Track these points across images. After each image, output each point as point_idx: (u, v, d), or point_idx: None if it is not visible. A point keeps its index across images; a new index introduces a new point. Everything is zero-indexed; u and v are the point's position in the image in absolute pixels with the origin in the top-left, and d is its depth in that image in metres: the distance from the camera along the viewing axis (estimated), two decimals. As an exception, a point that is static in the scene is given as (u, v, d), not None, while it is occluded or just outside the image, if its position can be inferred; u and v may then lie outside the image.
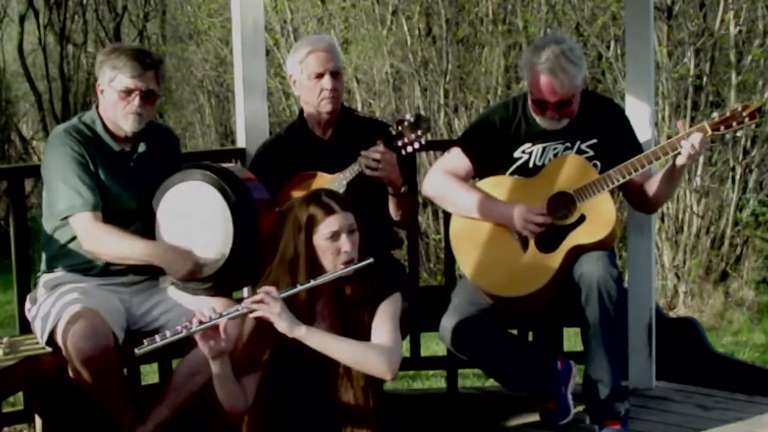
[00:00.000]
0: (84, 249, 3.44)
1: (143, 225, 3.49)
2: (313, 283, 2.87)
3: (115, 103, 3.45)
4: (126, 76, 3.42)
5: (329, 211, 2.89)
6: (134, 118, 3.45)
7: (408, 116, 3.51)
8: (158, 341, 2.78)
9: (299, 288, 2.86)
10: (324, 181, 3.65)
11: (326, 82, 3.74)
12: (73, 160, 3.42)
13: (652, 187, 3.68)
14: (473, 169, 3.81)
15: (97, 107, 3.55)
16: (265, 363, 2.91)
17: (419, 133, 3.49)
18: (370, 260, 2.90)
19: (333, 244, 2.89)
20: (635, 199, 3.80)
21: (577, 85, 3.64)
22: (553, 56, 3.57)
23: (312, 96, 3.78)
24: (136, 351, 2.81)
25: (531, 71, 3.64)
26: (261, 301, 2.82)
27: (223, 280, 3.45)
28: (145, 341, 2.80)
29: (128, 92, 3.43)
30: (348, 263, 2.89)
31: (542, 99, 3.64)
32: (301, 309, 2.88)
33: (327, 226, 2.89)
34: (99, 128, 3.51)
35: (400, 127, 3.51)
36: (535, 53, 3.63)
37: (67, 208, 3.40)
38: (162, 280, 3.54)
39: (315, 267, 2.91)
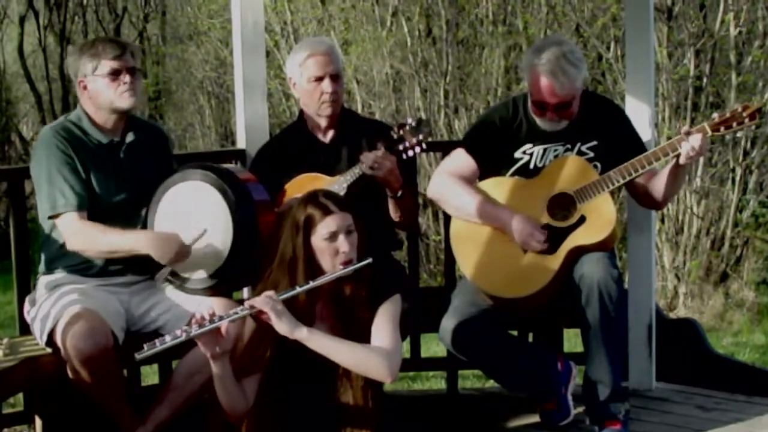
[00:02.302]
0: (69, 248, 3.44)
1: (139, 219, 3.50)
2: (312, 284, 2.87)
3: (105, 87, 3.49)
4: (109, 58, 3.48)
5: (327, 212, 2.89)
6: (129, 93, 3.51)
7: (409, 120, 3.51)
8: (158, 346, 2.78)
9: (298, 290, 2.86)
10: (324, 183, 3.64)
11: (326, 85, 3.74)
12: (59, 159, 3.43)
13: (657, 185, 3.68)
14: (478, 170, 3.80)
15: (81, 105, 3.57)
16: (265, 364, 2.91)
17: (420, 137, 3.49)
18: (369, 260, 2.90)
19: (331, 244, 2.89)
20: (641, 197, 3.80)
21: (577, 87, 3.65)
22: (554, 58, 3.57)
23: (312, 99, 3.78)
24: (137, 356, 2.80)
25: (531, 72, 3.64)
26: (261, 304, 2.82)
27: (222, 281, 3.45)
28: (145, 346, 2.79)
29: (116, 72, 3.48)
30: (347, 264, 2.89)
31: (542, 100, 3.64)
32: (300, 310, 2.88)
33: (325, 226, 2.89)
34: (85, 123, 3.53)
35: (401, 131, 3.51)
36: (535, 55, 3.63)
37: (50, 207, 3.42)
38: (157, 278, 3.52)
39: (314, 268, 2.91)
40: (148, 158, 3.58)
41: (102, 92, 3.50)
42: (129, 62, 3.51)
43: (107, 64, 3.48)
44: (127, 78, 3.49)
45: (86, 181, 3.45)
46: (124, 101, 3.50)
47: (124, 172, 3.52)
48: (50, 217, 3.44)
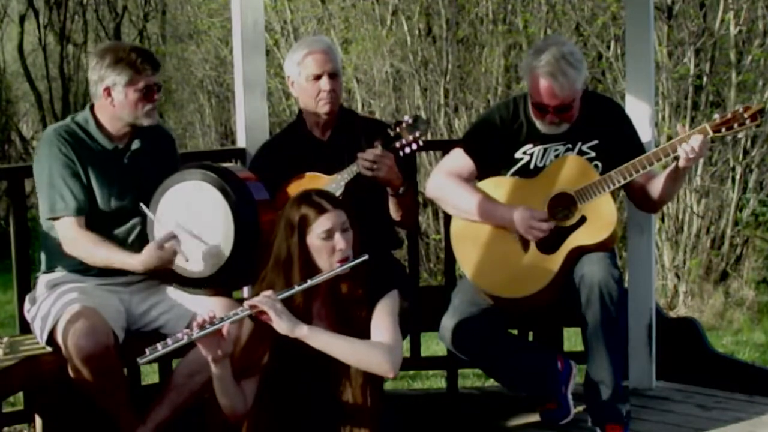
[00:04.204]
0: (66, 252, 3.44)
1: (141, 223, 3.49)
2: (310, 283, 2.86)
3: (134, 102, 3.44)
4: (147, 75, 3.44)
5: (321, 210, 2.89)
6: (154, 112, 3.51)
7: (406, 118, 3.51)
8: (160, 350, 2.78)
9: (297, 289, 2.86)
10: (322, 181, 3.64)
11: (324, 83, 3.74)
12: (60, 162, 3.42)
13: (655, 187, 3.68)
14: (476, 170, 3.80)
15: (91, 107, 3.54)
16: (263, 366, 2.91)
17: (417, 134, 3.49)
18: (365, 257, 2.90)
19: (327, 242, 2.89)
20: (638, 199, 3.80)
21: (577, 89, 3.64)
22: (554, 59, 3.56)
23: (310, 97, 3.79)
24: (139, 360, 2.80)
25: (531, 74, 3.63)
26: (260, 304, 2.82)
27: (223, 280, 3.45)
28: (147, 350, 2.79)
29: (151, 89, 3.46)
30: (343, 261, 2.89)
31: (542, 102, 3.63)
32: (297, 310, 2.88)
33: (320, 225, 2.89)
34: (92, 127, 3.51)
35: (398, 129, 3.51)
36: (535, 56, 3.62)
37: (49, 210, 3.42)
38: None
39: (310, 267, 2.90)
40: (153, 164, 3.55)
41: (128, 106, 3.46)
42: (158, 79, 3.49)
43: (143, 81, 3.44)
44: (156, 96, 3.48)
45: (87, 186, 3.45)
46: (148, 119, 3.49)
47: (127, 179, 3.50)
48: (48, 219, 3.44)
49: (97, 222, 3.45)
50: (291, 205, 2.95)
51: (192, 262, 3.44)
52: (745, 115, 3.48)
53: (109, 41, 14.79)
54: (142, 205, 3.45)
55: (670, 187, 3.66)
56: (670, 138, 3.57)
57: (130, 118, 3.48)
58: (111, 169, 3.50)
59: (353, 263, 2.90)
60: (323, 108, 3.78)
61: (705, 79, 9.10)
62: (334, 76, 3.77)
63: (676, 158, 3.53)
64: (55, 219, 3.43)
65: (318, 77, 3.75)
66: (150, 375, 4.89)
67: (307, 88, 3.78)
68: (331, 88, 3.75)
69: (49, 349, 3.39)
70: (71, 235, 3.41)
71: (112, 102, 3.46)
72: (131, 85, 3.43)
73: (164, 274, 3.48)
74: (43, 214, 3.46)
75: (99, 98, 3.49)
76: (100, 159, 3.50)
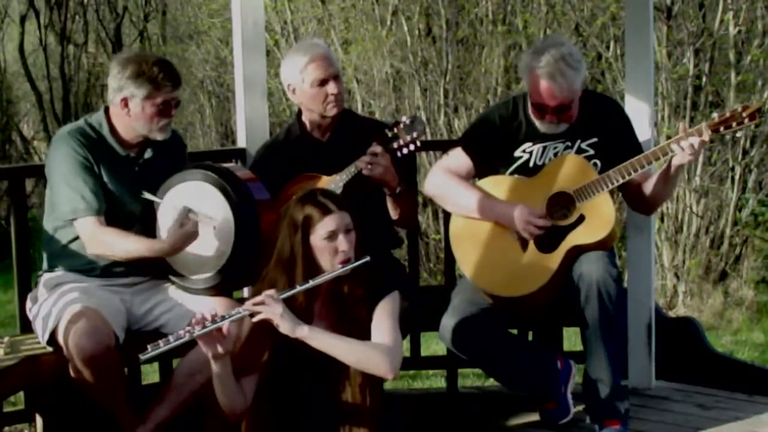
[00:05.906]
0: (89, 253, 3.44)
1: (143, 228, 3.49)
2: (312, 283, 2.87)
3: (151, 116, 3.43)
4: (167, 91, 3.43)
5: (326, 211, 2.90)
6: (169, 127, 3.50)
7: (404, 118, 3.54)
8: (162, 347, 2.79)
9: (299, 289, 2.87)
10: (322, 182, 3.66)
11: (331, 87, 3.77)
12: (78, 163, 3.42)
13: (649, 188, 3.69)
14: (474, 169, 3.82)
15: (106, 109, 3.53)
16: (263, 364, 2.92)
17: (415, 135, 3.51)
18: (367, 258, 2.91)
19: (330, 243, 2.89)
20: (633, 200, 3.81)
21: (576, 90, 3.65)
22: (553, 60, 3.58)
23: (317, 102, 3.80)
24: (141, 357, 2.81)
25: (530, 75, 3.64)
26: (262, 303, 2.83)
27: (224, 280, 3.45)
28: (149, 347, 2.80)
29: (168, 105, 3.45)
30: (345, 262, 2.90)
31: (541, 103, 3.65)
32: (298, 309, 2.89)
33: (324, 225, 2.89)
34: (105, 132, 3.50)
35: (395, 130, 3.53)
36: (534, 57, 3.63)
37: (71, 211, 3.41)
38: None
39: (312, 267, 2.91)
40: (164, 171, 3.53)
41: (144, 119, 3.44)
42: (177, 95, 3.48)
43: (162, 97, 3.42)
44: (173, 112, 3.47)
45: (102, 187, 3.44)
46: (162, 134, 3.48)
47: (137, 186, 3.49)
48: (69, 220, 3.42)
49: (109, 225, 3.44)
50: (295, 204, 2.95)
51: (194, 262, 3.44)
52: (744, 115, 3.48)
53: (111, 43, 14.82)
54: (145, 193, 3.44)
55: (663, 188, 3.66)
56: (669, 138, 3.56)
57: (144, 131, 3.47)
58: (122, 176, 3.50)
59: (355, 265, 2.90)
60: (332, 111, 3.80)
61: (704, 79, 9.10)
62: (337, 78, 3.80)
63: (669, 160, 3.54)
64: (74, 220, 3.41)
65: (324, 82, 3.78)
66: (150, 375, 4.90)
67: (313, 94, 3.80)
68: (339, 91, 3.78)
69: (49, 348, 3.39)
70: (93, 234, 3.40)
71: (128, 113, 3.45)
72: (149, 99, 3.42)
73: (165, 270, 3.49)
74: (61, 216, 3.44)
75: (116, 106, 3.47)
76: (113, 164, 3.49)
